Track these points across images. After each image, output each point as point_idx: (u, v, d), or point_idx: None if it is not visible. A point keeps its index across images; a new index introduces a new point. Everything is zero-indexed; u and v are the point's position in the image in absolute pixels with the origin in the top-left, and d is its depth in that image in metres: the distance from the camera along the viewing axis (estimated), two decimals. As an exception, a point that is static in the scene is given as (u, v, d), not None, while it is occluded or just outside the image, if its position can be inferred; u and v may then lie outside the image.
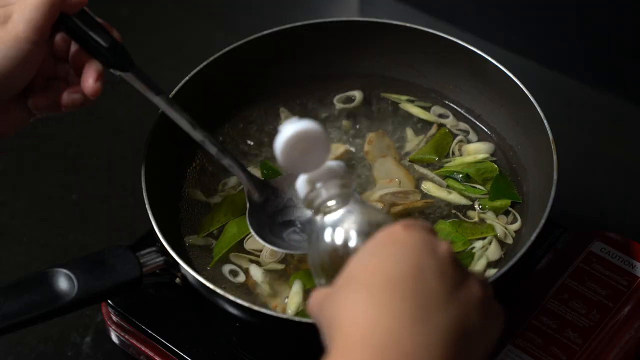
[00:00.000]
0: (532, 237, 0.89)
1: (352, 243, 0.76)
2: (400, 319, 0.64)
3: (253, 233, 0.94)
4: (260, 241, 0.93)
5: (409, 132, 1.08)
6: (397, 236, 0.69)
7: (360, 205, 0.79)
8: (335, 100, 1.10)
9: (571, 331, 0.93)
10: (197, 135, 0.93)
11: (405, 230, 0.70)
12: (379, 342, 0.63)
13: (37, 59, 0.85)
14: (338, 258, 0.76)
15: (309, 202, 0.80)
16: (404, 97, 1.10)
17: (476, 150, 1.05)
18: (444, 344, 0.64)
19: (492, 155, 1.05)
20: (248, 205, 0.95)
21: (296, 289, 0.93)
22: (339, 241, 0.76)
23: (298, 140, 0.77)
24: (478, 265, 0.95)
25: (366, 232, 0.76)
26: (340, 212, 0.78)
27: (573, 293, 0.96)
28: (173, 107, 0.92)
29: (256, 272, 0.95)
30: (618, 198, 1.21)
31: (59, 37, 0.88)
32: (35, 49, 0.84)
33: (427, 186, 1.01)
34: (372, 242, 0.70)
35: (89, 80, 0.87)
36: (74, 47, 0.88)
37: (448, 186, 1.02)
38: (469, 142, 1.07)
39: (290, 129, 0.77)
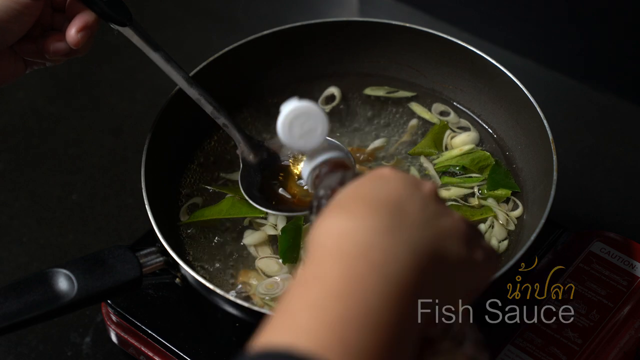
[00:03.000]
0: (532, 237, 0.89)
1: None
2: (372, 231, 0.64)
3: (243, 193, 0.95)
4: (250, 201, 0.95)
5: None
6: (383, 172, 0.70)
7: None
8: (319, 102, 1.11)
9: (571, 331, 0.93)
10: (193, 93, 0.94)
11: (392, 169, 0.70)
12: (349, 252, 0.63)
13: (35, 13, 0.85)
14: None
15: (313, 181, 0.81)
16: (384, 90, 1.11)
17: (462, 142, 1.06)
18: (414, 260, 0.63)
19: (480, 144, 1.06)
20: (242, 166, 0.97)
21: None
22: None
23: (296, 117, 0.78)
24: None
25: None
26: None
27: (573, 293, 0.96)
28: (170, 64, 0.93)
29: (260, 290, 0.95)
30: (618, 198, 1.21)
31: None
32: (35, 3, 0.84)
33: None
34: (360, 177, 0.70)
35: (72, 30, 0.87)
36: None
37: (445, 184, 1.02)
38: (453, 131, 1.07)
39: (288, 107, 0.79)
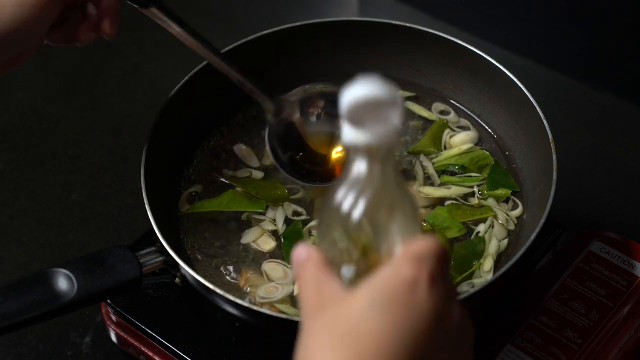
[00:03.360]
0: (532, 237, 0.89)
1: (367, 228, 0.67)
2: None
3: (272, 157, 0.97)
4: (280, 169, 0.97)
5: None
6: (417, 297, 0.63)
7: (399, 186, 0.68)
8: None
9: (571, 331, 0.93)
10: (218, 62, 0.95)
11: (429, 290, 0.63)
12: None
13: (56, 13, 0.86)
14: (349, 229, 0.67)
15: (349, 150, 0.67)
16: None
17: (461, 142, 1.06)
18: None
19: (478, 143, 1.06)
20: (268, 127, 0.98)
21: None
22: (356, 215, 0.67)
23: (370, 103, 0.66)
24: (491, 248, 0.96)
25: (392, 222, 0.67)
26: (375, 181, 0.67)
27: (573, 293, 0.96)
28: (197, 39, 0.93)
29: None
30: (618, 198, 1.21)
31: None
32: (55, 7, 0.85)
33: (426, 190, 1.02)
34: (389, 292, 0.63)
35: (107, 23, 0.88)
36: None
37: (445, 183, 1.02)
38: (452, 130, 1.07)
39: (363, 88, 0.67)
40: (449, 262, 0.67)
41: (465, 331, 0.66)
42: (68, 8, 0.89)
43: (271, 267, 0.95)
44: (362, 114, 0.64)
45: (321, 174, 1.00)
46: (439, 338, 0.63)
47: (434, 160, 1.05)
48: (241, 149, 1.06)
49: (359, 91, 0.65)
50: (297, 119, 0.99)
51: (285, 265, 0.96)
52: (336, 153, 1.01)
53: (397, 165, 0.74)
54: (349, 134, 0.65)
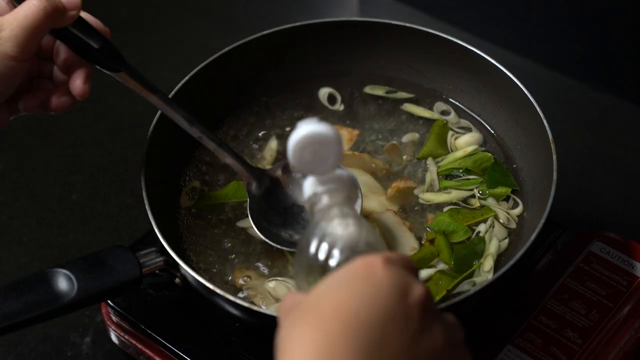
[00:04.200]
0: (532, 237, 0.89)
1: (333, 261, 0.74)
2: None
3: (252, 226, 0.95)
4: (258, 234, 0.94)
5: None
6: (373, 271, 0.68)
7: (357, 222, 0.77)
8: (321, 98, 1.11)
9: (571, 331, 0.93)
10: (194, 131, 0.93)
11: (384, 267, 0.68)
12: None
13: (22, 74, 0.84)
14: (319, 268, 0.75)
15: (310, 205, 0.79)
16: (383, 89, 1.11)
17: (466, 143, 1.06)
18: None
19: (483, 145, 1.06)
20: (249, 199, 0.96)
21: None
22: (322, 255, 0.75)
23: (311, 142, 0.75)
24: (491, 248, 0.96)
25: (353, 252, 0.74)
26: (335, 223, 0.76)
27: (573, 293, 0.96)
28: (170, 105, 0.91)
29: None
30: (618, 198, 1.21)
31: (44, 38, 0.87)
32: (22, 65, 0.83)
33: (426, 197, 1.01)
34: (347, 270, 0.69)
35: (77, 81, 0.86)
36: (60, 46, 0.87)
37: (444, 188, 1.02)
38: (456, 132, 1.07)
39: (305, 129, 0.75)
40: (411, 262, 0.72)
41: (435, 316, 0.69)
42: (35, 74, 0.88)
43: (275, 285, 0.95)
44: (305, 154, 0.74)
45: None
46: (400, 312, 0.66)
47: (440, 164, 1.04)
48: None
49: (300, 132, 0.75)
50: (280, 176, 0.98)
51: (287, 283, 0.95)
52: None
53: (351, 204, 0.79)
54: (308, 186, 0.78)
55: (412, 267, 0.71)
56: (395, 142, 1.07)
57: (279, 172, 0.98)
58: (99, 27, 0.87)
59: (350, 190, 0.79)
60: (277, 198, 0.98)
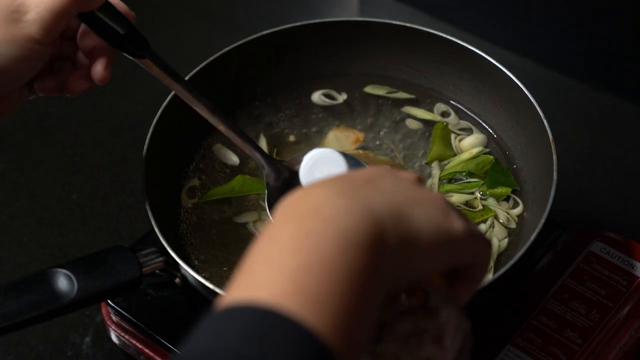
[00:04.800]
0: (532, 237, 0.89)
1: None
2: (328, 193, 0.63)
3: (270, 216, 0.94)
4: None
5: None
6: (364, 168, 0.69)
7: None
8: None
9: (571, 331, 0.93)
10: (215, 121, 0.92)
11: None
12: (302, 213, 0.62)
13: (45, 57, 0.84)
14: None
15: None
16: (384, 89, 1.11)
17: (471, 145, 1.06)
18: (371, 216, 0.61)
19: (487, 146, 1.06)
20: (266, 189, 0.96)
21: None
22: None
23: (318, 161, 0.80)
24: (492, 248, 0.96)
25: None
26: None
27: (573, 293, 0.96)
28: (192, 94, 0.90)
29: None
30: (618, 198, 1.21)
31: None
32: (46, 48, 0.82)
33: None
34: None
35: (99, 66, 0.86)
36: (83, 28, 0.86)
37: (445, 192, 1.02)
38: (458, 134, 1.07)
39: (312, 152, 0.80)
40: None
41: (422, 188, 0.67)
42: (57, 55, 0.87)
43: None
44: (315, 175, 0.79)
45: None
46: (388, 173, 0.66)
47: (445, 167, 1.04)
48: (218, 148, 1.06)
49: (308, 155, 0.80)
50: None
51: None
52: None
53: None
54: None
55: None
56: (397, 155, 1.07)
57: (297, 165, 0.98)
58: (125, 12, 0.86)
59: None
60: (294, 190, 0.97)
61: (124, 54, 0.87)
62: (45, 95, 0.90)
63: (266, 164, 0.95)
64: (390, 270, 0.61)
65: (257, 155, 0.95)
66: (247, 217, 1.01)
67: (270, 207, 0.95)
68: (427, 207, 0.65)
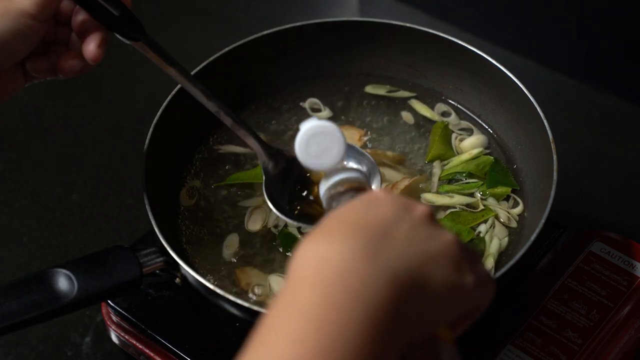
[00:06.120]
0: (532, 237, 0.89)
1: None
2: (351, 255, 0.62)
3: (269, 204, 0.94)
4: (276, 212, 0.93)
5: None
6: (375, 195, 0.68)
7: None
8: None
9: (571, 331, 0.93)
10: (211, 106, 0.92)
11: (386, 192, 0.69)
12: (325, 278, 0.61)
13: (39, 33, 0.83)
14: None
15: (329, 205, 0.81)
16: (384, 88, 1.11)
17: (471, 145, 1.06)
18: (394, 284, 0.61)
19: (487, 147, 1.06)
20: (264, 177, 0.96)
21: None
22: None
23: (314, 135, 0.80)
24: (492, 248, 0.96)
25: None
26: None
27: (573, 293, 0.96)
28: (188, 78, 0.90)
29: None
30: (618, 198, 1.21)
31: (63, 2, 0.86)
32: (39, 24, 0.82)
33: (428, 197, 1.01)
34: (352, 201, 0.70)
35: (91, 45, 0.85)
36: (78, 9, 0.86)
37: (445, 192, 1.02)
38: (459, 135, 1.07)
39: (307, 125, 0.80)
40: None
41: (435, 223, 0.68)
42: (51, 40, 0.87)
43: (276, 281, 0.95)
44: (310, 148, 0.80)
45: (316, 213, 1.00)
46: (403, 218, 0.66)
47: (445, 167, 1.04)
48: (219, 148, 1.07)
49: (302, 129, 0.80)
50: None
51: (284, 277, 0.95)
52: None
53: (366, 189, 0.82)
54: (322, 188, 0.82)
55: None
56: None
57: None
58: None
59: (361, 179, 0.81)
60: (292, 178, 0.98)
61: (119, 36, 0.86)
62: (39, 81, 0.89)
63: (264, 152, 0.95)
64: (405, 328, 0.62)
65: (255, 142, 0.95)
66: (251, 202, 1.01)
67: (269, 195, 0.95)
68: (441, 262, 0.65)
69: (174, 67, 0.90)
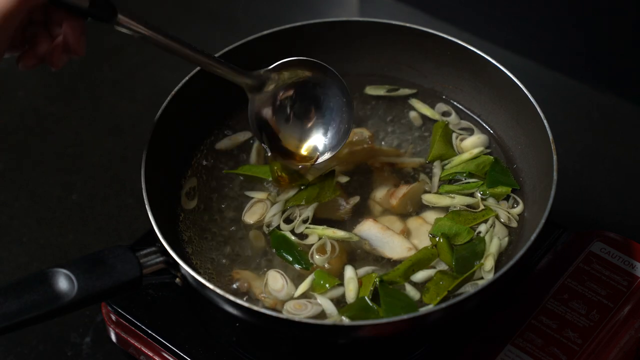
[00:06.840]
0: (533, 237, 0.89)
1: None
2: None
3: (251, 124, 1.00)
4: (260, 141, 1.00)
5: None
6: None
7: None
8: None
9: (571, 331, 0.93)
10: (195, 58, 0.95)
11: None
12: None
13: (20, 13, 0.84)
14: None
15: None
16: (384, 88, 1.11)
17: (472, 145, 1.06)
18: None
19: (488, 146, 1.06)
20: (250, 102, 1.00)
21: (350, 274, 0.94)
22: None
23: None
24: (492, 248, 0.96)
25: None
26: None
27: (573, 293, 0.96)
28: (167, 36, 0.92)
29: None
30: (618, 198, 1.21)
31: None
32: (21, 6, 0.83)
33: (429, 198, 1.01)
34: None
35: (73, 42, 0.87)
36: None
37: (446, 192, 1.02)
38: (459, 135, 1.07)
39: None
40: None
41: None
42: (33, 19, 0.87)
43: (273, 276, 0.95)
44: None
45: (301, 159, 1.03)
46: None
47: (446, 167, 1.04)
48: (219, 148, 1.07)
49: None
50: (277, 76, 1.01)
51: (285, 279, 0.95)
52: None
53: None
54: None
55: None
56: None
57: (274, 73, 1.01)
58: None
59: None
60: (274, 100, 1.02)
61: (96, 20, 0.88)
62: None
63: (250, 78, 0.98)
64: None
65: (238, 75, 0.98)
66: (256, 195, 1.02)
67: (254, 115, 1.00)
68: None
69: (154, 30, 0.91)
